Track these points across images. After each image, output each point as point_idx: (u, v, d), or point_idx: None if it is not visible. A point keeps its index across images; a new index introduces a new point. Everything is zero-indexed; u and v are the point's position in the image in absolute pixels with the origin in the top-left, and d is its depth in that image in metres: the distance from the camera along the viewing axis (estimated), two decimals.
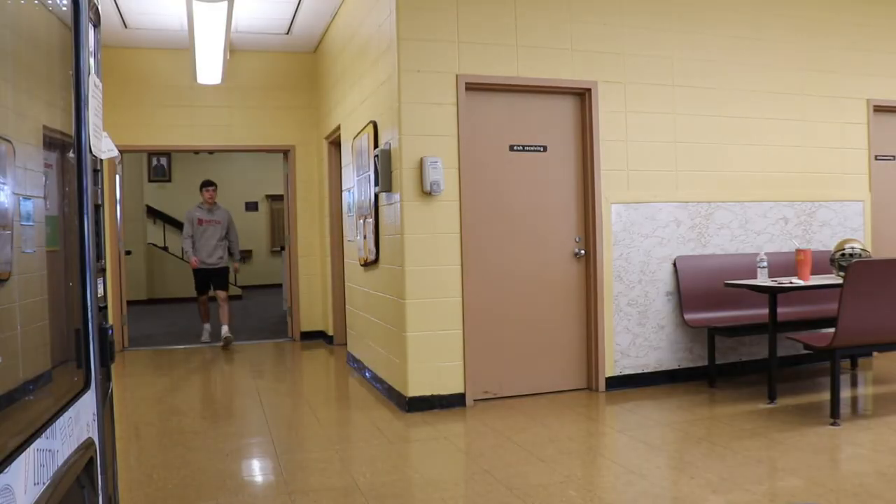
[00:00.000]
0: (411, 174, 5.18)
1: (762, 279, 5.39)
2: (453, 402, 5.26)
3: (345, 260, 7.55)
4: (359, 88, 6.47)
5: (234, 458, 4.29)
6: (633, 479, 3.76)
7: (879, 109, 6.64)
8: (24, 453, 1.43)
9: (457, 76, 5.27)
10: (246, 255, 15.25)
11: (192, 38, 6.71)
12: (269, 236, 15.70)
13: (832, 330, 4.63)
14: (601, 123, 5.65)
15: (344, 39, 7.09)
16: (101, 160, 2.19)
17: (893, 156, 6.92)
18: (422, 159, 5.17)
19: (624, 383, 5.74)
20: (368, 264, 6.17)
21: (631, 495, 3.56)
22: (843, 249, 5.38)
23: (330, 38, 7.84)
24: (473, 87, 5.36)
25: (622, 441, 4.51)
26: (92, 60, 2.02)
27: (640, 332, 5.81)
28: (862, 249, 5.36)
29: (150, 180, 14.55)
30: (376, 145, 5.79)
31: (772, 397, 5.17)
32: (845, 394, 5.48)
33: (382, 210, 5.70)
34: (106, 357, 2.15)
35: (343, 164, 7.36)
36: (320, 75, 8.49)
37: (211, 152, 12.19)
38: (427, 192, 5.17)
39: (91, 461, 1.99)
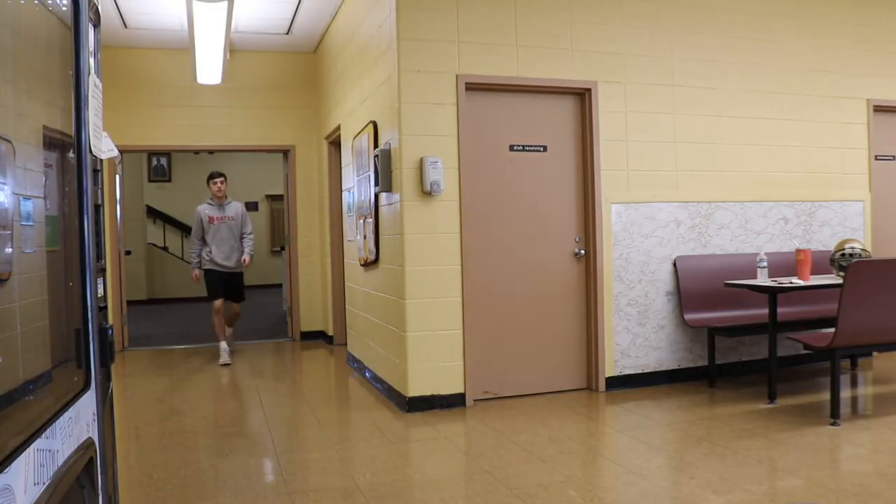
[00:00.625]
0: (411, 174, 5.17)
1: (762, 279, 5.39)
2: (453, 402, 5.26)
3: (345, 260, 7.55)
4: (359, 88, 6.47)
5: (233, 458, 4.29)
6: (633, 479, 3.76)
7: (879, 109, 6.64)
8: (24, 453, 1.43)
9: (457, 76, 5.27)
10: None
11: (192, 38, 6.71)
12: (269, 236, 15.70)
13: (832, 330, 4.63)
14: (601, 123, 5.65)
15: (344, 39, 7.09)
16: (101, 160, 2.19)
17: (893, 156, 6.92)
18: (422, 159, 5.17)
19: (624, 383, 5.74)
20: (368, 264, 6.17)
21: (631, 495, 3.56)
22: (843, 249, 5.39)
23: (330, 38, 7.84)
24: (473, 87, 5.36)
25: (622, 441, 4.51)
26: (92, 60, 2.02)
27: (640, 332, 5.81)
28: (862, 249, 5.36)
29: (150, 180, 14.55)
30: (376, 145, 5.79)
31: (772, 397, 5.17)
32: (845, 394, 5.48)
33: (382, 210, 5.70)
34: (106, 357, 2.15)
35: (343, 164, 7.36)
36: (320, 75, 8.49)
37: (211, 152, 12.19)
38: (427, 192, 5.17)
39: (91, 461, 1.99)
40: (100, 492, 2.09)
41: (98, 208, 2.11)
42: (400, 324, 5.29)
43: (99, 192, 2.13)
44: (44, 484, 1.57)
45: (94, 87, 2.02)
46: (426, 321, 5.21)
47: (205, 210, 7.62)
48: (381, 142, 5.68)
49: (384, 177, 5.44)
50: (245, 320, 10.47)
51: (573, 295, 5.73)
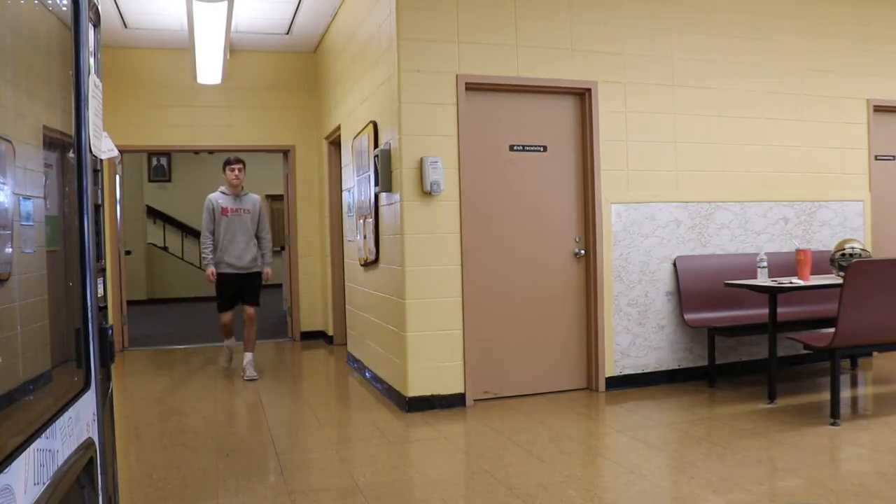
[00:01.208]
0: (411, 174, 5.17)
1: (762, 279, 5.39)
2: (453, 402, 5.26)
3: (345, 260, 7.55)
4: (359, 88, 6.47)
5: (234, 458, 4.29)
6: (633, 479, 3.76)
7: (879, 109, 6.64)
8: (24, 453, 1.43)
9: (457, 76, 5.27)
10: None
11: (192, 38, 6.71)
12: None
13: (832, 330, 4.63)
14: (601, 123, 5.65)
15: (344, 39, 7.09)
16: (101, 160, 2.19)
17: (893, 156, 6.92)
18: (422, 159, 5.17)
19: (624, 383, 5.74)
20: (368, 264, 6.17)
21: (631, 495, 3.56)
22: (843, 249, 5.39)
23: (330, 38, 7.84)
24: (473, 87, 5.36)
25: (622, 441, 4.51)
26: (92, 60, 2.02)
27: (640, 332, 5.81)
28: (862, 249, 5.36)
29: (150, 180, 14.55)
30: (376, 145, 5.79)
31: (772, 397, 5.17)
32: (845, 394, 5.48)
33: (382, 210, 5.70)
34: (106, 357, 2.15)
35: (343, 164, 7.36)
36: (320, 75, 8.49)
37: (211, 152, 12.17)
38: (427, 192, 5.17)
39: (91, 461, 1.99)
40: (100, 492, 2.09)
41: (98, 208, 2.11)
42: (400, 324, 5.29)
43: (99, 192, 2.13)
44: (44, 484, 1.57)
45: (94, 87, 2.02)
46: (426, 321, 5.21)
47: (217, 199, 6.59)
48: (381, 142, 5.68)
49: (384, 177, 5.44)
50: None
51: (573, 295, 5.73)
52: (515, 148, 5.55)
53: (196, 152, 12.62)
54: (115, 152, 2.39)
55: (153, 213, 14.45)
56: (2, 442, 1.33)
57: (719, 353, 5.93)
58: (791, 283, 5.15)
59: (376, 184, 5.59)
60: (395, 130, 5.28)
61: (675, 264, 5.86)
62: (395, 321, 5.40)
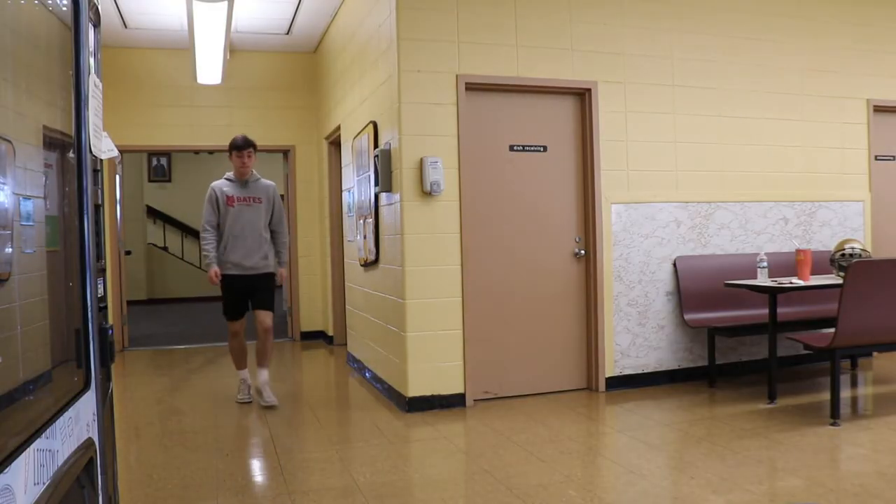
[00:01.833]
0: (411, 174, 5.17)
1: (762, 279, 5.39)
2: (453, 402, 5.26)
3: (345, 260, 7.54)
4: (359, 88, 6.47)
5: (234, 458, 4.29)
6: (633, 479, 3.76)
7: (879, 109, 6.64)
8: (24, 453, 1.43)
9: (457, 76, 5.27)
10: None
11: (192, 38, 6.71)
12: None
13: (832, 330, 4.63)
14: (601, 123, 5.65)
15: (344, 39, 7.09)
16: (101, 160, 2.19)
17: (893, 156, 6.92)
18: (422, 159, 5.17)
19: (624, 383, 5.74)
20: (368, 264, 6.17)
21: (631, 495, 3.56)
22: (843, 249, 5.39)
23: (330, 39, 7.84)
24: (473, 87, 5.36)
25: (622, 441, 4.51)
26: (92, 60, 2.02)
27: (640, 332, 5.81)
28: (862, 249, 5.36)
29: (150, 180, 14.54)
30: (376, 145, 5.79)
31: (772, 397, 5.17)
32: (845, 394, 5.48)
33: (382, 210, 5.70)
34: (106, 357, 2.15)
35: (343, 164, 7.36)
36: (320, 75, 8.49)
37: (211, 152, 12.17)
38: (427, 193, 5.17)
39: (91, 461, 1.99)
40: (100, 492, 2.09)
41: (98, 208, 2.11)
42: (400, 324, 5.29)
43: (99, 192, 2.13)
44: (44, 484, 1.57)
45: (94, 87, 2.02)
46: (426, 321, 5.21)
47: (221, 187, 5.55)
48: (381, 142, 5.68)
49: (384, 177, 5.44)
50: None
51: (573, 295, 5.73)
52: (515, 148, 5.55)
53: (196, 152, 12.61)
54: (115, 152, 2.39)
55: (153, 213, 14.44)
56: (2, 442, 1.33)
57: (719, 353, 5.93)
58: (791, 283, 5.15)
59: (376, 184, 5.59)
60: (395, 130, 5.28)
61: (675, 264, 5.86)
62: (395, 321, 5.40)
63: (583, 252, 5.71)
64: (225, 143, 8.42)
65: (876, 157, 6.67)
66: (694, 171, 5.94)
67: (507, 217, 5.53)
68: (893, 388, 5.70)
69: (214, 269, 5.41)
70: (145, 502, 3.52)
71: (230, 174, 5.62)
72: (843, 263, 5.22)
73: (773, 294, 5.15)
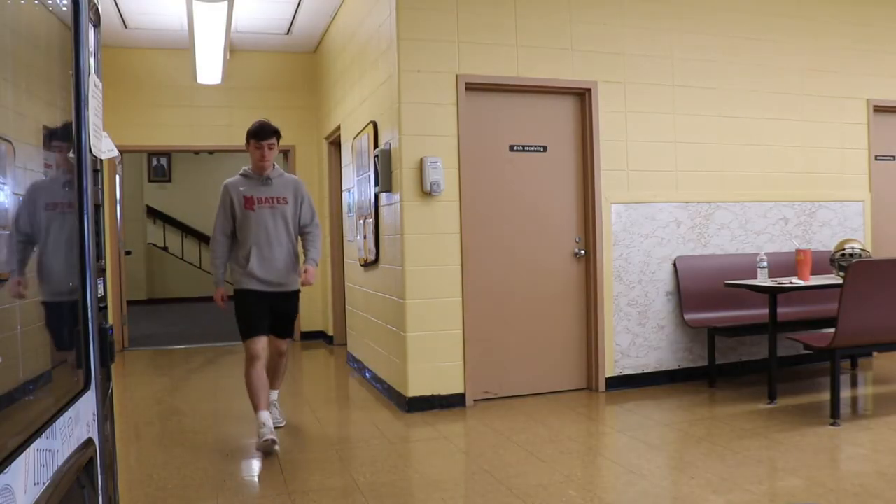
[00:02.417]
0: (411, 174, 5.17)
1: (762, 279, 5.39)
2: (453, 402, 5.26)
3: (345, 260, 7.55)
4: (359, 88, 6.47)
5: (234, 458, 4.29)
6: (633, 479, 3.76)
7: (879, 109, 6.64)
8: (24, 453, 1.43)
9: (457, 76, 5.27)
10: None
11: (192, 38, 6.71)
12: None
13: (832, 330, 4.63)
14: (601, 123, 5.65)
15: (344, 39, 7.09)
16: (101, 160, 2.19)
17: (893, 156, 6.92)
18: (422, 159, 5.17)
19: (624, 383, 5.74)
20: (368, 264, 6.17)
21: (631, 495, 3.56)
22: (843, 249, 5.39)
23: (330, 39, 7.84)
24: (473, 87, 5.36)
25: (622, 441, 4.51)
26: (92, 60, 2.02)
27: (640, 332, 5.81)
28: (862, 249, 5.36)
29: (150, 180, 14.55)
30: (376, 145, 5.79)
31: (772, 397, 5.17)
32: (845, 394, 5.48)
33: (382, 210, 5.70)
34: (106, 357, 2.15)
35: (343, 165, 7.36)
36: (320, 75, 8.49)
37: (211, 152, 12.18)
38: (427, 193, 5.17)
39: (91, 461, 1.99)
40: (100, 492, 2.08)
41: (98, 208, 2.11)
42: (400, 324, 5.29)
43: (99, 192, 2.13)
44: (44, 484, 1.57)
45: (94, 87, 2.02)
46: (426, 321, 5.21)
47: (237, 187, 4.59)
48: (381, 142, 5.68)
49: (384, 177, 5.44)
50: None
51: (573, 295, 5.73)
52: (515, 148, 5.55)
53: (196, 152, 12.63)
54: (115, 152, 2.39)
55: (153, 214, 14.45)
56: (2, 442, 1.33)
57: (719, 353, 5.92)
58: (791, 283, 5.15)
59: (376, 184, 5.59)
60: (395, 130, 5.28)
61: (675, 264, 5.86)
62: (395, 321, 5.40)
63: (583, 252, 5.71)
64: (225, 142, 8.50)
65: (876, 157, 6.67)
66: (694, 171, 5.94)
67: (507, 217, 5.53)
68: (893, 389, 5.70)
69: (221, 291, 4.59)
70: (145, 502, 3.52)
71: (247, 168, 4.65)
72: (843, 263, 5.22)
73: (773, 294, 5.14)
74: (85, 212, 2.04)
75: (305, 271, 4.57)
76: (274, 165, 4.67)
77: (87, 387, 2.00)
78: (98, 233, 2.13)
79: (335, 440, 4.65)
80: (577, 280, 5.73)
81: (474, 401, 5.34)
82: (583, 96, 5.67)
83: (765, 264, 5.43)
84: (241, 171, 4.69)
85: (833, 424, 4.57)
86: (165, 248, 14.51)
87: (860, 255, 5.29)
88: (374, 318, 6.06)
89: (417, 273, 5.20)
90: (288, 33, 8.00)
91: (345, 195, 7.34)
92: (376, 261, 5.90)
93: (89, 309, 2.06)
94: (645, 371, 5.83)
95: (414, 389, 5.20)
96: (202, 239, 14.71)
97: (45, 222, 1.75)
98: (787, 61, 6.24)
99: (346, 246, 7.35)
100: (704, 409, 5.15)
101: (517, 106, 5.54)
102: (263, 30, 7.86)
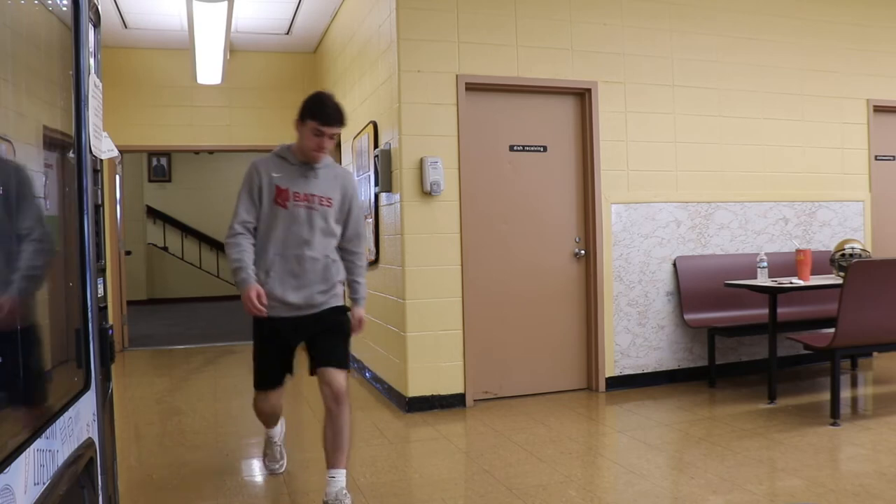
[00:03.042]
0: (411, 174, 5.17)
1: (762, 279, 5.39)
2: (453, 402, 5.26)
3: None
4: (359, 88, 6.47)
5: (234, 458, 4.29)
6: (632, 480, 3.76)
7: (879, 109, 6.64)
8: (24, 453, 1.43)
9: (457, 76, 5.27)
10: None
11: (192, 38, 6.71)
12: None
13: (832, 330, 4.63)
14: (601, 123, 5.65)
15: (344, 39, 7.09)
16: (101, 160, 2.20)
17: (893, 156, 6.92)
18: (422, 159, 5.17)
19: (624, 383, 5.74)
20: (368, 264, 6.16)
21: (631, 495, 3.56)
22: (843, 250, 5.39)
23: (330, 39, 7.84)
24: (473, 87, 5.36)
25: (622, 441, 4.51)
26: (92, 60, 2.02)
27: (640, 333, 5.81)
28: (862, 250, 5.36)
29: (150, 180, 14.55)
30: (376, 145, 5.79)
31: (772, 397, 5.17)
32: (845, 394, 5.48)
33: (382, 210, 5.70)
34: (106, 357, 2.15)
35: (343, 164, 7.36)
36: (320, 75, 8.49)
37: (211, 152, 12.19)
38: (427, 193, 5.17)
39: (91, 461, 1.99)
40: (100, 492, 2.09)
41: (98, 208, 2.12)
42: (400, 324, 5.29)
43: (99, 192, 2.13)
44: (44, 484, 1.57)
45: (94, 87, 2.02)
46: (426, 321, 5.21)
47: (269, 171, 3.42)
48: (381, 142, 5.68)
49: (384, 177, 5.44)
50: (242, 319, 10.49)
51: (573, 295, 5.73)
52: (515, 148, 5.55)
53: (196, 152, 12.64)
54: (115, 152, 2.39)
55: (153, 214, 14.45)
56: (2, 442, 1.33)
57: (719, 353, 5.92)
58: (791, 283, 5.15)
59: (376, 184, 5.59)
60: (395, 130, 5.28)
61: (675, 264, 5.86)
62: (395, 321, 5.40)
63: (583, 252, 5.71)
64: (225, 143, 8.48)
65: (876, 157, 6.67)
66: (694, 171, 5.94)
67: (507, 217, 5.53)
68: (893, 389, 5.70)
69: (254, 288, 3.24)
70: (145, 502, 3.52)
71: (284, 148, 3.45)
72: (843, 263, 5.22)
73: (773, 294, 5.14)
74: (85, 212, 2.04)
75: (356, 320, 3.49)
76: (326, 152, 3.42)
77: (87, 387, 2.01)
78: (98, 233, 2.13)
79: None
80: (577, 280, 5.73)
81: (474, 401, 5.34)
82: (583, 96, 5.67)
83: (765, 264, 5.43)
84: (276, 150, 3.46)
85: (833, 424, 4.57)
86: (165, 248, 14.50)
87: (860, 256, 5.29)
88: (374, 318, 6.05)
89: (417, 273, 5.20)
90: (288, 33, 8.00)
91: None
92: (376, 261, 5.90)
93: (89, 309, 2.06)
94: (645, 371, 5.83)
95: (414, 389, 5.20)
96: (202, 239, 14.71)
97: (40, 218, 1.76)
98: (787, 61, 6.24)
99: None
100: (704, 410, 5.15)
101: (517, 106, 5.54)
102: (263, 30, 7.86)
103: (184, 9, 6.52)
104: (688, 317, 5.79)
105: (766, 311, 5.27)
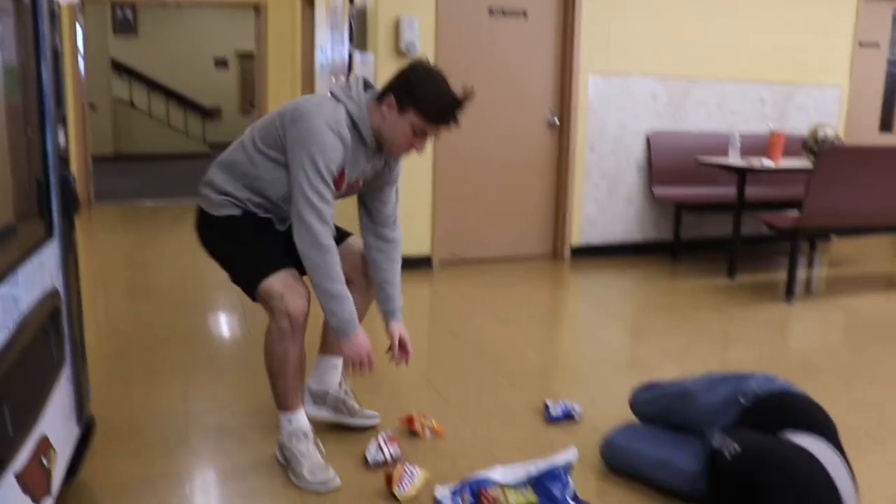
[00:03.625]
0: (387, 33, 5.02)
1: (733, 158, 5.41)
2: (420, 264, 5.32)
3: None
4: None
5: (202, 312, 4.34)
6: (591, 344, 3.89)
7: None
8: None
9: None
10: (215, 113, 14.90)
11: None
12: (240, 95, 15.30)
13: (797, 212, 4.69)
14: None
15: None
16: (59, 4, 2.09)
17: (877, 43, 6.82)
18: (398, 19, 5.00)
19: (589, 253, 5.84)
20: None
21: (590, 359, 3.68)
22: (816, 134, 5.39)
23: None
24: None
25: (583, 307, 4.63)
26: None
27: (608, 204, 5.86)
28: (835, 136, 5.36)
29: (115, 33, 13.96)
30: (352, 2, 5.58)
31: (731, 274, 5.30)
32: (801, 274, 5.64)
33: (356, 69, 5.56)
34: (69, 207, 2.12)
35: (317, 22, 7.11)
36: None
37: (179, 5, 11.67)
38: (402, 52, 5.03)
39: (56, 310, 2.00)
40: (66, 339, 2.11)
41: (56, 54, 2.03)
42: None
43: (57, 38, 2.04)
44: (7, 329, 1.58)
45: None
46: None
47: (347, 142, 2.27)
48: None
49: (359, 35, 5.27)
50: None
51: (545, 164, 5.72)
52: (494, 11, 5.37)
53: (164, 5, 12.11)
54: None
55: (119, 68, 13.95)
56: None
57: (684, 228, 6.01)
58: (762, 164, 5.18)
59: (350, 42, 5.42)
60: None
61: (648, 139, 5.85)
62: None
63: (557, 121, 5.66)
64: None
65: (860, 43, 6.56)
66: (674, 47, 5.83)
67: (482, 81, 5.40)
68: (846, 271, 5.88)
69: (362, 338, 2.45)
70: (112, 353, 3.58)
71: (363, 120, 2.33)
72: (815, 148, 5.24)
73: (742, 174, 5.18)
74: (42, 57, 1.97)
75: (397, 345, 2.68)
76: None
77: (49, 236, 1.99)
78: (58, 80, 2.06)
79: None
80: (550, 149, 5.71)
81: (441, 263, 5.41)
82: None
83: (737, 144, 5.43)
84: (352, 112, 2.31)
85: (787, 302, 4.72)
86: (132, 104, 14.11)
87: (832, 142, 5.30)
88: None
89: None
90: None
91: (317, 54, 7.13)
92: None
93: (49, 158, 2.02)
94: (611, 242, 5.92)
95: None
96: (170, 95, 14.34)
97: None
98: None
99: None
100: (665, 282, 5.28)
101: None
102: None
103: None
104: (656, 191, 5.83)
105: (734, 190, 5.31)
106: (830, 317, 4.51)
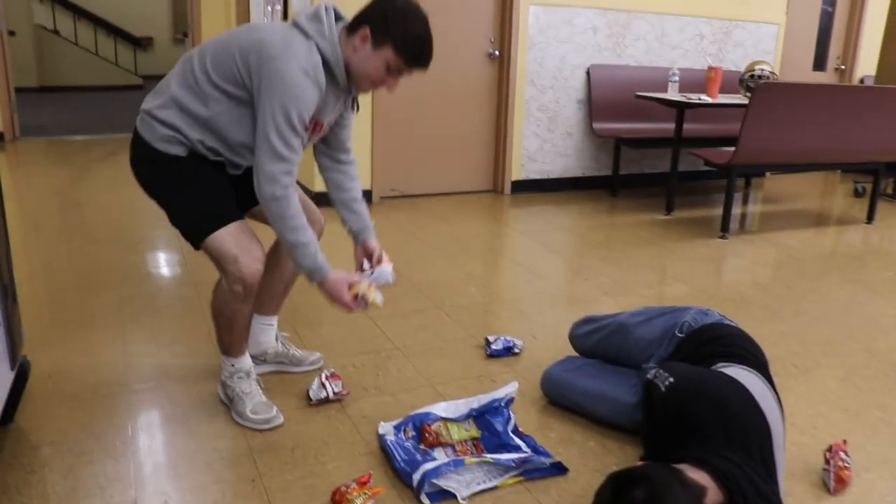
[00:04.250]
0: None
1: (672, 94, 5.45)
2: None
3: None
4: None
5: (138, 250, 4.25)
6: (531, 279, 3.93)
7: None
8: None
9: None
10: (146, 43, 14.33)
11: None
12: (172, 22, 14.71)
13: (732, 149, 4.78)
14: None
15: None
16: None
17: None
18: None
19: (529, 187, 5.87)
20: None
21: (529, 294, 3.73)
22: (753, 71, 5.45)
23: None
24: None
25: (523, 242, 4.67)
26: None
27: (548, 139, 5.87)
28: (771, 72, 5.44)
29: None
30: None
31: (669, 209, 5.40)
32: (736, 210, 5.77)
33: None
34: None
35: None
36: None
37: None
38: None
39: None
40: None
41: None
42: None
43: None
44: None
45: None
46: None
47: (321, 86, 2.09)
48: None
49: None
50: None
51: (485, 97, 5.69)
52: None
53: None
54: None
55: None
56: None
57: (623, 163, 6.08)
58: (700, 99, 5.23)
59: None
60: None
61: (588, 72, 5.84)
62: None
63: (497, 53, 5.60)
64: None
65: None
66: None
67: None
68: (780, 207, 6.03)
69: (339, 278, 2.35)
70: (45, 292, 3.49)
71: (336, 57, 2.12)
72: (751, 84, 5.32)
73: (680, 109, 5.23)
74: None
75: (373, 258, 2.71)
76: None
77: None
78: None
79: None
80: (490, 82, 5.67)
81: (381, 198, 5.38)
82: None
83: (676, 79, 5.47)
84: (323, 49, 2.09)
85: (722, 238, 4.84)
86: (56, 32, 13.44)
87: (768, 78, 5.38)
88: None
89: None
90: None
91: None
92: None
93: None
94: (550, 177, 5.96)
95: (320, 185, 5.16)
96: (98, 23, 13.69)
97: None
98: None
99: None
100: (604, 217, 5.35)
101: None
102: None
103: None
104: (596, 126, 5.86)
105: (672, 125, 5.37)
106: (763, 252, 4.64)
